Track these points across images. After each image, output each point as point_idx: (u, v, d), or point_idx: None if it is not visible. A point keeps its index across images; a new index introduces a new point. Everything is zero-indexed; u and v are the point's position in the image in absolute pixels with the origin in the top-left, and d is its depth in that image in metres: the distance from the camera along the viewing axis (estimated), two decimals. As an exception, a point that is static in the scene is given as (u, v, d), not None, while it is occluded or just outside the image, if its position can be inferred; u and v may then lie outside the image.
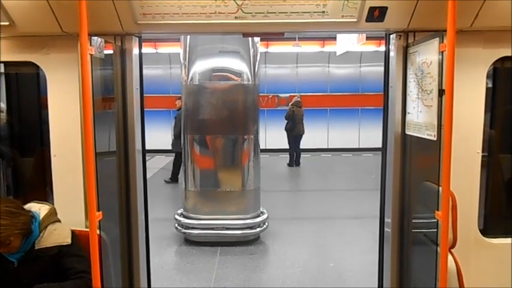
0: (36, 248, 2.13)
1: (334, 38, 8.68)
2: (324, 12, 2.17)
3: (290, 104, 11.49)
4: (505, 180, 2.96)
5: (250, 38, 5.42)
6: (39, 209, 2.22)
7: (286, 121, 11.33)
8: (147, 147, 2.69)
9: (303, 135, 11.31)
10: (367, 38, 7.36)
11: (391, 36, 2.48)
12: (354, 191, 8.38)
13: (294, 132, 11.24)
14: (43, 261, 2.12)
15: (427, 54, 2.11)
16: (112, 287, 2.35)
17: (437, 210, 1.89)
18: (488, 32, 2.35)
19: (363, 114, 13.57)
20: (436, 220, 1.90)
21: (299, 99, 11.43)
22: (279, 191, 8.74)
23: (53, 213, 2.26)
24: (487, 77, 2.48)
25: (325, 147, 13.49)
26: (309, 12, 2.17)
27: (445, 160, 1.77)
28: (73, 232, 2.21)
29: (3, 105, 4.01)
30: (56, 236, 2.17)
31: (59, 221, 2.28)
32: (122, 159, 2.54)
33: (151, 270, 2.81)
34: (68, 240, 2.16)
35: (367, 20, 2.20)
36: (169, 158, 12.27)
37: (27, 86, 3.05)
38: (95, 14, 1.91)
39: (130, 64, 2.49)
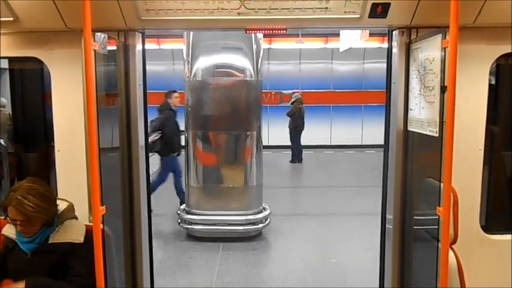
0: (50, 241, 2.13)
1: (338, 35, 8.63)
2: (326, 8, 2.17)
3: (294, 100, 11.42)
4: (507, 176, 2.96)
5: (253, 34, 5.41)
6: (58, 203, 2.23)
7: (289, 118, 11.30)
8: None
9: (303, 131, 11.35)
10: (370, 35, 7.31)
11: (394, 32, 2.48)
12: (356, 188, 8.36)
13: (297, 129, 11.28)
14: (55, 256, 2.12)
15: (430, 51, 2.11)
16: (115, 281, 2.37)
17: (439, 206, 1.89)
18: (491, 29, 2.34)
19: (366, 111, 13.50)
20: (437, 216, 1.91)
21: (300, 95, 11.43)
22: (281, 187, 8.75)
23: (71, 209, 2.28)
24: (490, 73, 2.47)
25: (328, 143, 13.44)
26: (312, 8, 2.18)
27: (447, 156, 1.77)
28: (88, 231, 2.17)
29: (5, 101, 4.03)
30: (70, 233, 2.17)
31: (75, 217, 2.29)
32: (125, 155, 2.55)
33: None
34: (80, 239, 2.15)
35: (369, 16, 2.20)
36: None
37: (31, 82, 3.06)
38: (99, 10, 1.91)
39: (133, 60, 2.50)
